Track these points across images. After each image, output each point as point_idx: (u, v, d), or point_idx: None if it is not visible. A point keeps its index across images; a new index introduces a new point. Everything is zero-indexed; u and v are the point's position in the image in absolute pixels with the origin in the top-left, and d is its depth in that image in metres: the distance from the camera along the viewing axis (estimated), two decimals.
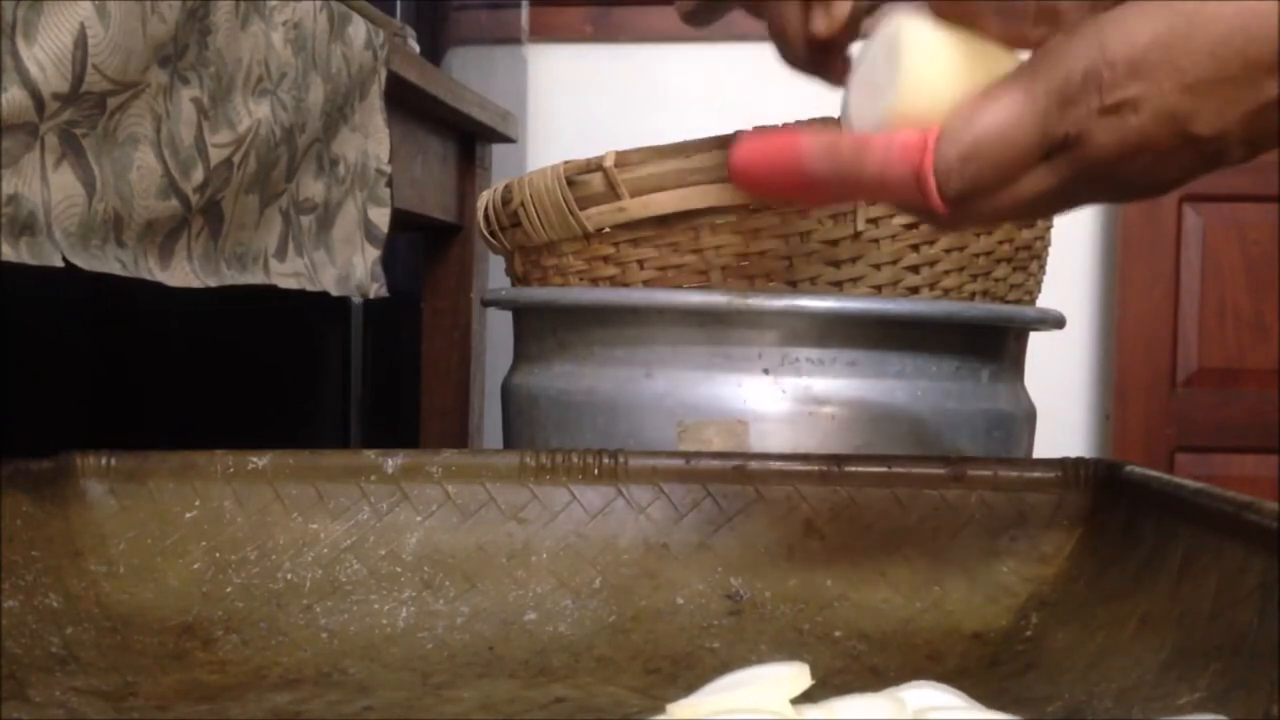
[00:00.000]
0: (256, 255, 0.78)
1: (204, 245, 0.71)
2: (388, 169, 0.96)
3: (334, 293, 0.89)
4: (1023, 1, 0.46)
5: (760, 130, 0.51)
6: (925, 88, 0.46)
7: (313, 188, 0.85)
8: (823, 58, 0.55)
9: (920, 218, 0.51)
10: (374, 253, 0.95)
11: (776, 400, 0.72)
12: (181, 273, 0.68)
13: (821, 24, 0.52)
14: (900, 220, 0.72)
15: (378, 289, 0.96)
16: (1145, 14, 0.43)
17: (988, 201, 0.46)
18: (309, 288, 0.85)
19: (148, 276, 0.64)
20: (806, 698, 0.41)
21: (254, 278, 0.77)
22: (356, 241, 0.93)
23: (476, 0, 1.74)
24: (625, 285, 0.75)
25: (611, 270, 0.75)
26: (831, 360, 0.72)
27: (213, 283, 0.71)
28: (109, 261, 0.60)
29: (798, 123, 0.69)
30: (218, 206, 0.71)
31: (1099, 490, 0.59)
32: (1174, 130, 0.43)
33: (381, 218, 0.96)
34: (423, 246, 1.39)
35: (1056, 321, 0.79)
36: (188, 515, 0.60)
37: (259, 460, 0.61)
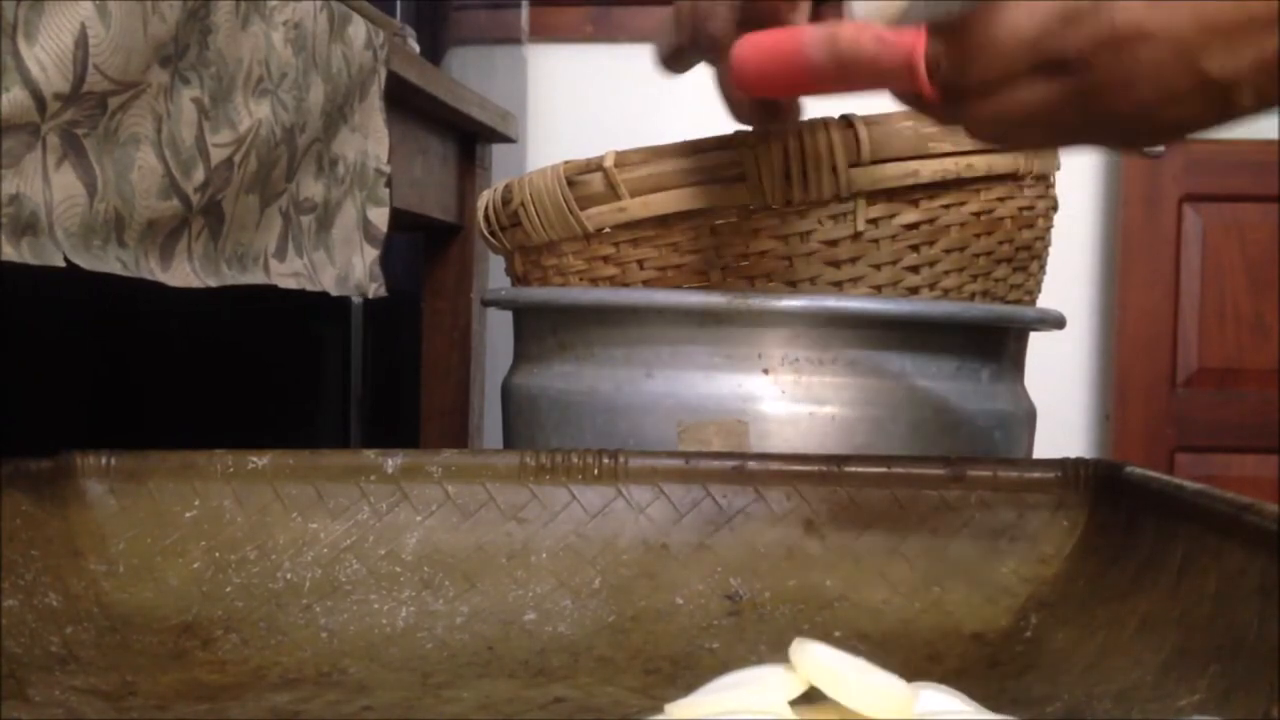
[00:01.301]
0: (257, 255, 0.78)
1: (204, 245, 0.71)
2: (387, 169, 0.96)
3: (333, 293, 0.89)
4: None
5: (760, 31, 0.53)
6: None
7: (312, 188, 0.85)
8: (771, 112, 0.57)
9: (920, 110, 0.52)
10: (373, 253, 0.95)
11: (776, 400, 0.72)
12: (182, 273, 0.68)
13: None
14: (900, 220, 0.72)
15: (376, 289, 0.96)
16: None
17: (979, 101, 0.46)
18: (309, 288, 0.85)
19: (149, 276, 0.64)
20: (806, 699, 0.41)
21: (254, 278, 0.77)
22: (356, 241, 0.93)
23: (476, 0, 1.74)
24: (625, 285, 0.75)
25: (611, 270, 0.75)
26: (831, 360, 0.72)
27: (213, 283, 0.71)
28: (110, 261, 0.60)
29: None
30: (218, 206, 0.71)
31: (1099, 491, 0.59)
32: (1185, 67, 0.42)
33: (380, 218, 0.96)
34: (423, 246, 1.39)
35: (1056, 321, 0.79)
36: (187, 515, 0.60)
37: (259, 460, 0.61)
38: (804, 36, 0.49)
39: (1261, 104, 0.43)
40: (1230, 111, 0.44)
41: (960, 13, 0.46)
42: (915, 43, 0.46)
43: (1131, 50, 0.42)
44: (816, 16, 0.55)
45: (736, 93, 0.58)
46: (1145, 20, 0.42)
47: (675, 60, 0.62)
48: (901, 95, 0.50)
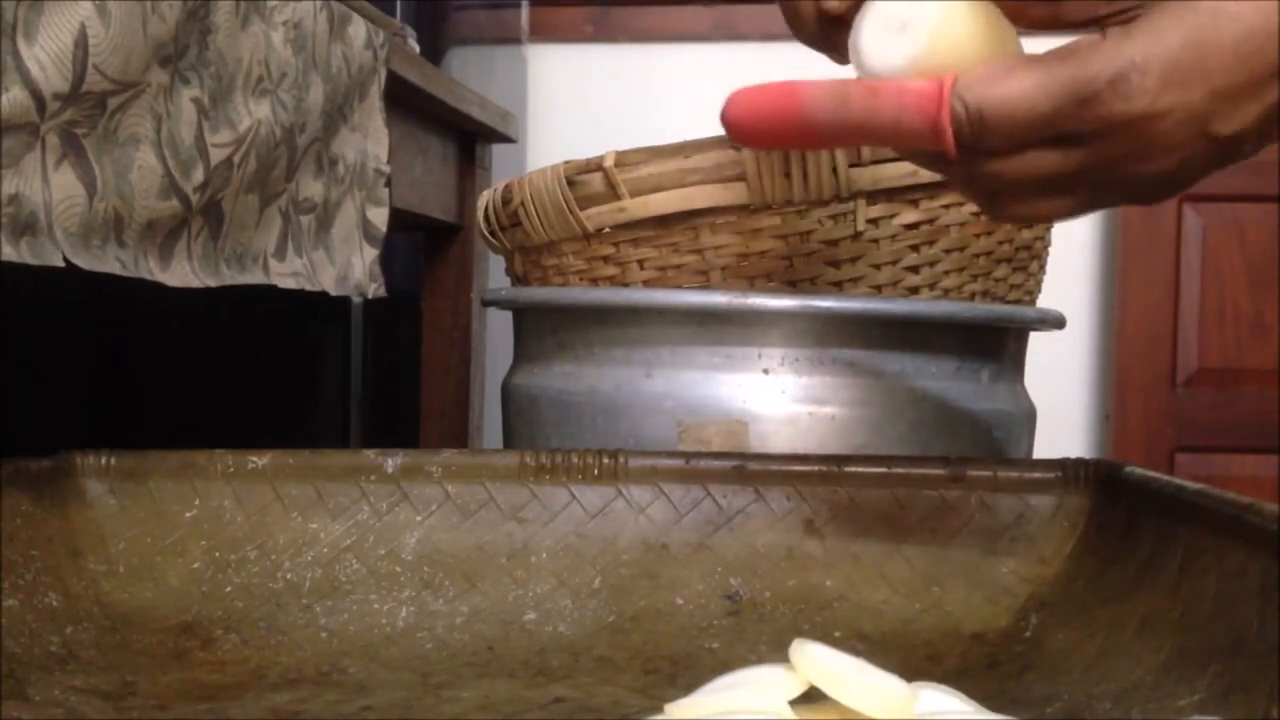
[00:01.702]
0: (256, 255, 0.78)
1: (204, 245, 0.71)
2: (386, 169, 0.96)
3: (332, 293, 0.89)
4: None
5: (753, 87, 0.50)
6: (953, 37, 0.46)
7: (312, 187, 0.85)
8: (837, 35, 0.56)
9: (931, 168, 0.51)
10: (372, 252, 0.95)
11: (776, 400, 0.72)
12: (181, 272, 0.68)
13: (835, 1, 0.52)
14: (900, 220, 0.72)
15: (376, 289, 0.96)
16: (1173, 17, 0.43)
17: (996, 164, 0.46)
18: (308, 288, 0.85)
19: (148, 276, 0.64)
20: (806, 699, 0.41)
21: (253, 278, 0.77)
22: (355, 241, 0.93)
23: (476, 0, 1.74)
24: (625, 285, 0.75)
25: (611, 270, 0.75)
26: (831, 360, 0.72)
27: (212, 283, 0.71)
28: (109, 261, 0.60)
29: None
30: (218, 206, 0.71)
31: (1099, 491, 0.59)
32: (1196, 133, 0.43)
33: (380, 218, 0.96)
34: (423, 246, 1.39)
35: (1056, 321, 0.79)
36: (187, 515, 0.60)
37: (259, 460, 0.61)
38: (804, 95, 0.46)
39: (1262, 146, 0.45)
40: (1235, 158, 0.45)
41: (976, 67, 0.45)
42: (941, 100, 0.45)
43: (1146, 128, 0.43)
44: None
45: (804, 4, 0.56)
46: (1158, 101, 0.43)
47: None
48: (914, 153, 0.50)
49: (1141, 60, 0.43)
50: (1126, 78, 0.43)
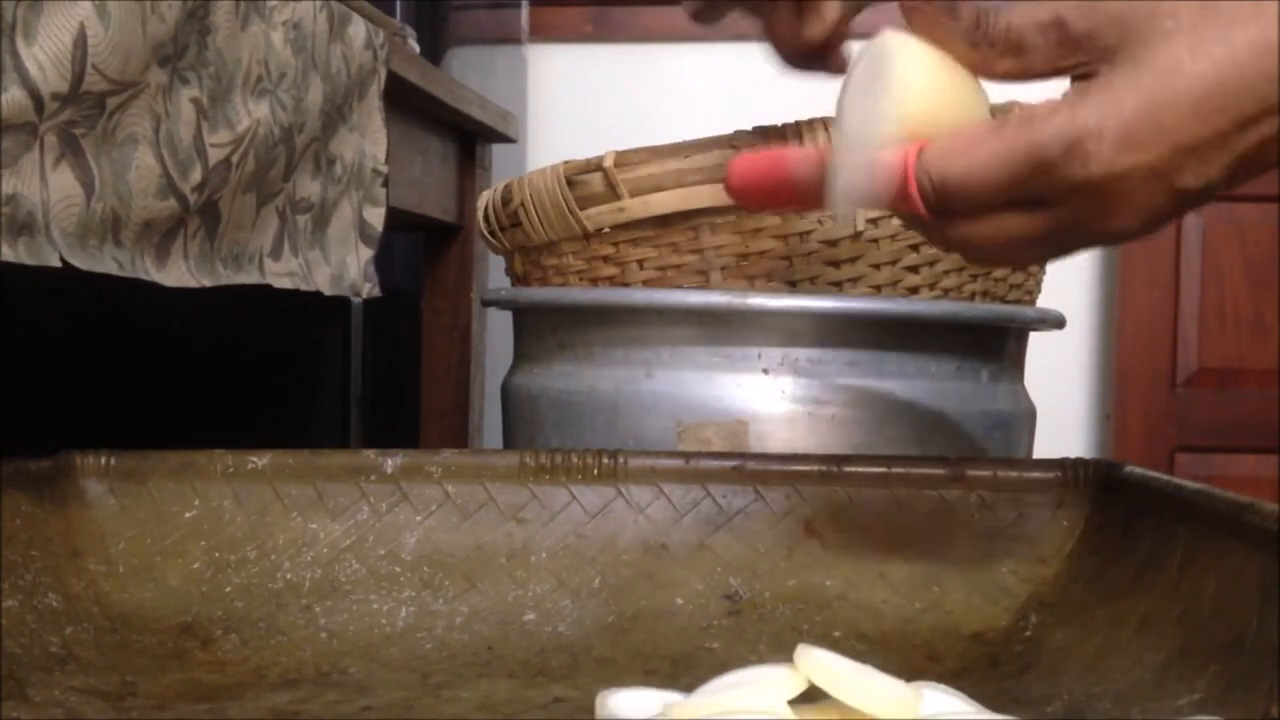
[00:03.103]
0: (252, 255, 0.78)
1: (200, 245, 0.71)
2: (384, 169, 0.96)
3: (327, 292, 0.89)
4: (990, 32, 0.47)
5: (751, 151, 0.56)
6: (913, 104, 0.48)
7: (309, 187, 0.85)
8: (816, 58, 0.57)
9: (913, 228, 0.53)
10: (368, 252, 0.95)
11: (776, 400, 0.72)
12: (178, 272, 0.68)
13: (814, 29, 0.54)
14: (900, 220, 0.72)
15: (370, 289, 0.96)
16: (1130, 82, 0.43)
17: (966, 227, 0.47)
18: (303, 287, 0.84)
19: (144, 276, 0.64)
20: (804, 699, 0.41)
21: (249, 277, 0.77)
22: (351, 241, 0.93)
23: (476, 0, 1.74)
24: (625, 285, 0.75)
25: (611, 270, 0.75)
26: (831, 360, 0.72)
27: (208, 282, 0.71)
28: (106, 261, 0.60)
29: (791, 124, 0.70)
30: (215, 206, 0.71)
31: (1099, 491, 0.59)
32: (1162, 189, 0.44)
33: (376, 218, 0.96)
34: (423, 246, 1.39)
35: (1056, 321, 0.79)
36: (187, 515, 0.60)
37: (259, 460, 0.61)
38: (791, 166, 0.51)
39: (1233, 186, 0.45)
40: (1204, 203, 0.46)
41: (944, 130, 0.47)
42: (907, 172, 0.47)
43: (1106, 189, 0.44)
44: None
45: (784, 33, 0.59)
46: (1116, 164, 0.43)
47: (705, 13, 0.63)
48: (898, 212, 0.52)
49: (1095, 126, 0.43)
50: (1082, 144, 0.43)
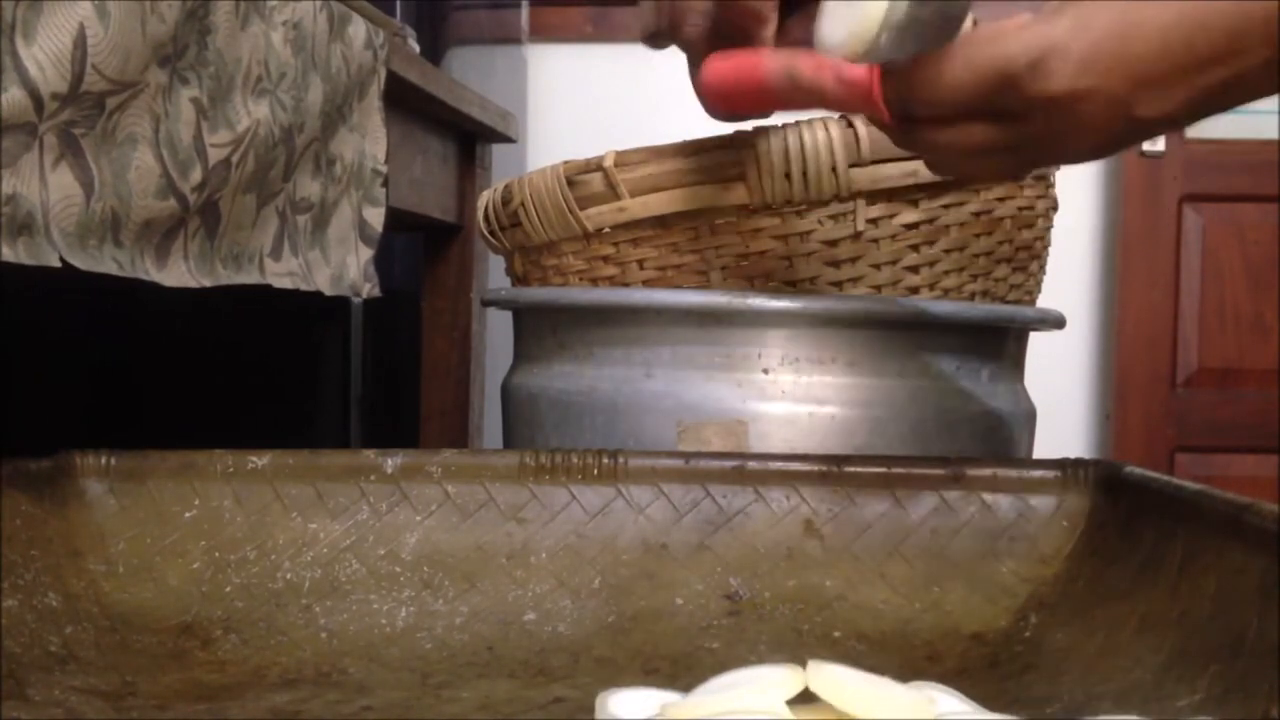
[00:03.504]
0: (252, 255, 0.78)
1: (200, 245, 0.71)
2: (384, 169, 0.96)
3: (327, 292, 0.89)
4: None
5: (724, 56, 0.57)
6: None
7: (309, 187, 0.85)
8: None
9: (879, 128, 0.55)
10: (367, 252, 0.95)
11: (776, 400, 0.72)
12: (177, 272, 0.68)
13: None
14: (900, 220, 0.72)
15: (370, 289, 0.96)
16: (1099, 4, 0.44)
17: (928, 132, 0.49)
18: (303, 287, 0.84)
19: (144, 276, 0.64)
20: (804, 698, 0.41)
21: (249, 277, 0.77)
22: (351, 241, 0.93)
23: (476, 0, 1.73)
24: (625, 285, 0.75)
25: (611, 270, 0.75)
26: (831, 360, 0.72)
27: (208, 282, 0.71)
28: (105, 261, 0.60)
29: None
30: (215, 206, 0.71)
31: (1099, 491, 0.59)
32: (1119, 115, 0.45)
33: (376, 218, 0.96)
34: (423, 246, 1.39)
35: (1056, 321, 0.79)
36: (187, 515, 0.60)
37: (259, 460, 0.61)
38: (765, 66, 0.52)
39: (1190, 123, 0.46)
40: (1160, 133, 0.47)
41: (913, 57, 0.48)
42: (870, 85, 0.49)
43: (1067, 110, 0.45)
44: (783, 31, 0.57)
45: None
46: (1078, 84, 0.44)
47: (653, 41, 0.64)
48: (864, 116, 0.54)
49: (1062, 45, 0.44)
50: (1046, 61, 0.44)
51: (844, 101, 0.52)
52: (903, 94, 0.48)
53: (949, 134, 0.48)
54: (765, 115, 0.61)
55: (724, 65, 0.54)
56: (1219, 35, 0.42)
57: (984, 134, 0.48)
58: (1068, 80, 0.44)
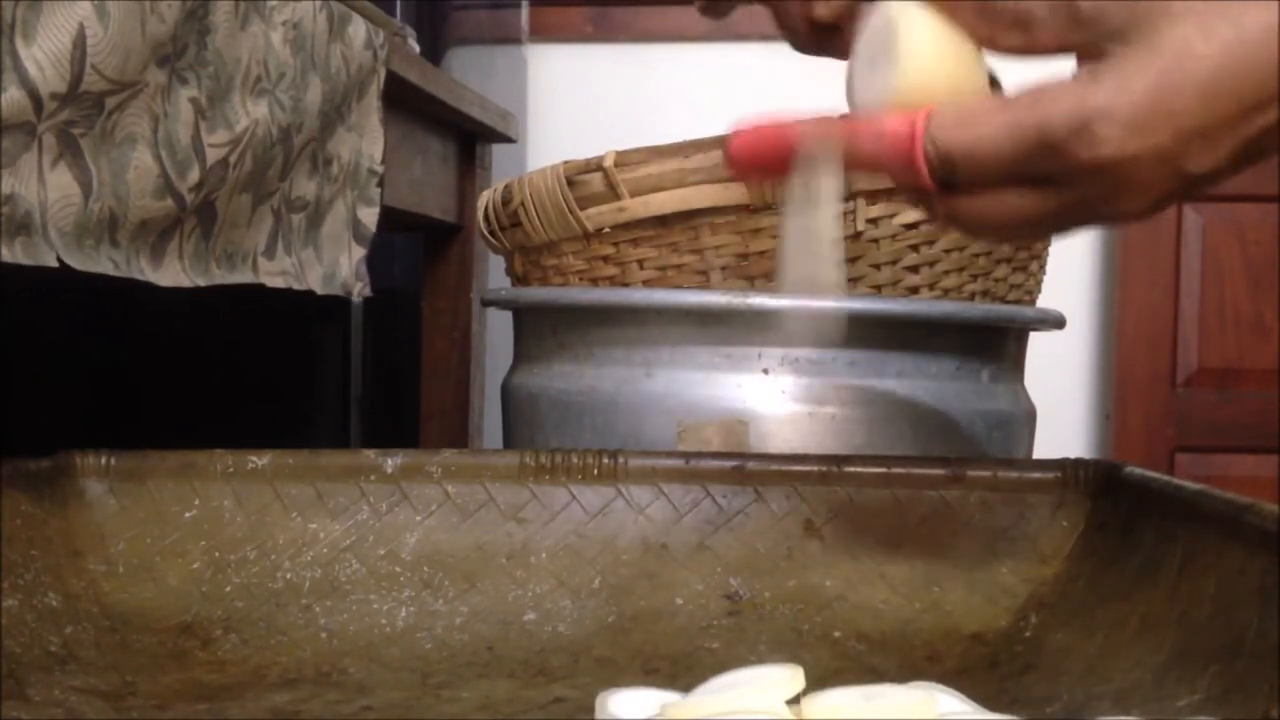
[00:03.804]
0: (246, 254, 0.78)
1: (195, 244, 0.71)
2: (380, 169, 0.96)
3: (320, 291, 0.89)
4: (999, 4, 0.47)
5: (753, 121, 0.54)
6: (919, 74, 0.48)
7: (305, 186, 0.85)
8: (828, 40, 0.57)
9: (918, 202, 0.53)
10: (360, 252, 0.95)
11: (776, 400, 0.72)
12: (172, 272, 0.68)
13: (823, 10, 0.53)
14: (900, 220, 0.72)
15: (362, 289, 0.96)
16: (1138, 62, 0.43)
17: (971, 201, 0.47)
18: (296, 286, 0.84)
19: (139, 276, 0.64)
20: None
21: (242, 276, 0.77)
22: (344, 240, 0.93)
23: (476, 0, 1.73)
24: (625, 285, 0.75)
25: (611, 270, 0.75)
26: (831, 360, 0.72)
27: (202, 282, 0.71)
28: (102, 261, 0.60)
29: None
30: (211, 206, 0.71)
31: (1099, 491, 0.59)
32: (1168, 174, 0.44)
33: (370, 217, 0.96)
34: (423, 246, 1.39)
35: (1056, 321, 0.79)
36: (187, 515, 0.59)
37: (259, 460, 0.61)
38: (797, 135, 0.50)
39: (1238, 171, 0.45)
40: (1208, 188, 0.46)
41: (949, 102, 0.47)
42: (911, 136, 0.47)
43: (1114, 173, 0.44)
44: None
45: (794, 18, 0.58)
46: (1124, 147, 0.43)
47: (713, 7, 0.63)
48: (901, 185, 0.51)
49: (1105, 108, 0.43)
50: (1090, 126, 0.43)
51: (882, 163, 0.49)
52: (944, 156, 0.46)
53: (988, 200, 0.47)
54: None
55: (751, 138, 0.52)
56: (1258, 85, 0.42)
57: (1026, 202, 0.46)
58: (1115, 144, 0.43)
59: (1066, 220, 0.47)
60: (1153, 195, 0.45)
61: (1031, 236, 0.50)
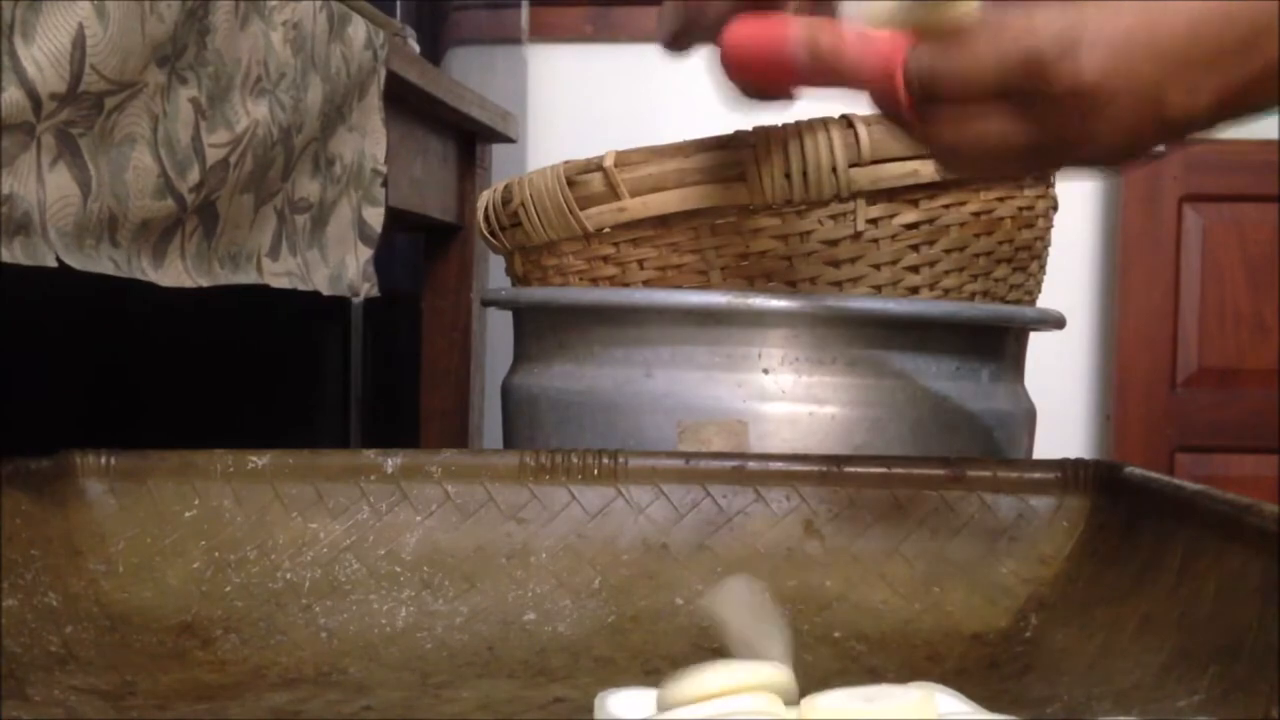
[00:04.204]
0: (250, 254, 0.78)
1: (197, 244, 0.71)
2: (383, 169, 0.96)
3: (326, 292, 0.89)
4: None
5: (746, 21, 0.54)
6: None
7: (308, 187, 0.85)
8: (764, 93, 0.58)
9: (894, 121, 0.52)
10: (366, 252, 0.95)
11: (776, 400, 0.72)
12: (175, 272, 0.68)
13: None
14: (900, 220, 0.72)
15: (369, 289, 0.96)
16: None
17: (947, 121, 0.47)
18: (301, 287, 0.84)
19: (140, 276, 0.64)
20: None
21: (246, 277, 0.77)
22: (350, 241, 0.93)
23: (476, 0, 1.73)
24: (625, 285, 0.75)
25: (611, 270, 0.75)
26: (831, 360, 0.72)
27: (205, 282, 0.71)
28: (102, 261, 0.60)
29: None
30: (212, 206, 0.71)
31: (1099, 491, 0.59)
32: (1148, 112, 0.44)
33: (375, 217, 0.96)
34: (423, 246, 1.39)
35: (1056, 321, 0.79)
36: (187, 515, 0.59)
37: (259, 460, 0.61)
38: (789, 31, 0.50)
39: (1214, 126, 0.45)
40: (1186, 135, 0.46)
41: (944, 25, 0.47)
42: (895, 52, 0.47)
43: (1095, 104, 0.44)
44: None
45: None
46: (1109, 76, 0.43)
47: (677, 41, 0.63)
48: (879, 102, 0.51)
49: (1093, 33, 0.43)
50: (1076, 49, 0.43)
51: (863, 75, 0.49)
52: (926, 71, 0.46)
53: (968, 122, 0.47)
54: (787, 95, 0.57)
55: (745, 30, 0.52)
56: (1244, 28, 0.42)
57: (1006, 124, 0.46)
58: (1098, 68, 0.43)
59: (1042, 155, 0.47)
60: (1130, 133, 0.44)
61: (1005, 166, 0.50)
